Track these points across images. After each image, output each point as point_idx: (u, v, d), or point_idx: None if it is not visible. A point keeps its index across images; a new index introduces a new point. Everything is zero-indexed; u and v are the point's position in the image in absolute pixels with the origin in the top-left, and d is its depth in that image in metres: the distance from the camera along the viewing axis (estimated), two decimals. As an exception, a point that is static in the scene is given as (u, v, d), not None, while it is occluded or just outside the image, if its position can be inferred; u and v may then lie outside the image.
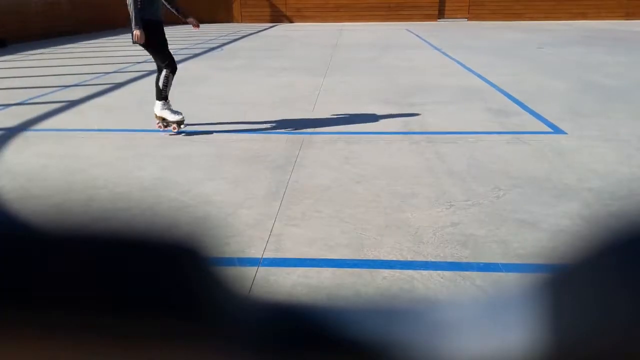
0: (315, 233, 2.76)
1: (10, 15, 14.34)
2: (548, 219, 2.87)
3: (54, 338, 0.19)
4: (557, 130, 4.71)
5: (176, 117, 4.61)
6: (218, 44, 13.45)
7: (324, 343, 0.20)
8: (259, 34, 16.95)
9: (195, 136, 4.69)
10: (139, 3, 4.25)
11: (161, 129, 4.67)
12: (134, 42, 4.36)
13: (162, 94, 4.59)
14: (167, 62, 4.55)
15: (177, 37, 15.72)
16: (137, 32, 4.26)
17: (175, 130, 4.63)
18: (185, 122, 4.69)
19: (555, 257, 0.19)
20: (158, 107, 4.63)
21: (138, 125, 5.15)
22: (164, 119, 4.64)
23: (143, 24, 4.28)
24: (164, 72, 4.57)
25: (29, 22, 15.11)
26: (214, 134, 4.75)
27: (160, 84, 4.59)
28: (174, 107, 4.68)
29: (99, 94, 6.83)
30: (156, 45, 4.46)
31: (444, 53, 10.97)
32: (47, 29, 15.60)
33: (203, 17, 21.90)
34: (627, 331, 0.17)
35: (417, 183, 3.46)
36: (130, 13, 4.24)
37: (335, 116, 5.37)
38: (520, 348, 0.19)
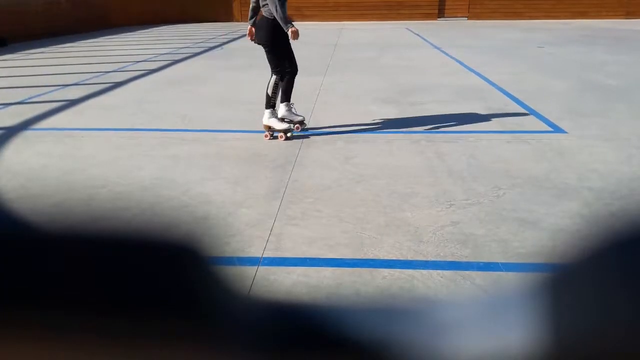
0: (315, 232, 2.76)
1: (11, 15, 14.34)
2: (548, 218, 2.87)
3: (54, 338, 0.19)
4: (557, 129, 4.71)
5: (283, 126, 4.50)
6: (218, 43, 13.44)
7: (324, 343, 0.20)
8: (259, 33, 16.92)
9: (194, 135, 4.69)
10: (282, 3, 4.23)
11: (268, 138, 4.54)
12: (276, 45, 4.37)
13: (270, 102, 4.49)
14: (279, 69, 4.45)
15: (176, 36, 15.72)
16: (295, 29, 4.25)
17: (283, 138, 4.51)
18: (292, 130, 4.58)
19: (555, 257, 0.19)
20: (266, 116, 4.52)
21: (138, 125, 5.15)
22: (270, 127, 4.53)
23: (275, 25, 4.26)
24: (272, 79, 4.47)
25: (29, 21, 15.11)
26: (214, 133, 4.74)
27: (269, 91, 4.48)
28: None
29: (98, 93, 6.83)
30: (281, 47, 4.40)
31: (444, 52, 10.97)
32: (47, 28, 15.60)
33: (203, 17, 21.95)
34: (627, 331, 0.17)
35: (417, 182, 3.46)
36: (278, 14, 4.20)
37: (335, 116, 5.36)
38: (520, 348, 0.19)
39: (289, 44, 4.43)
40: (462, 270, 2.38)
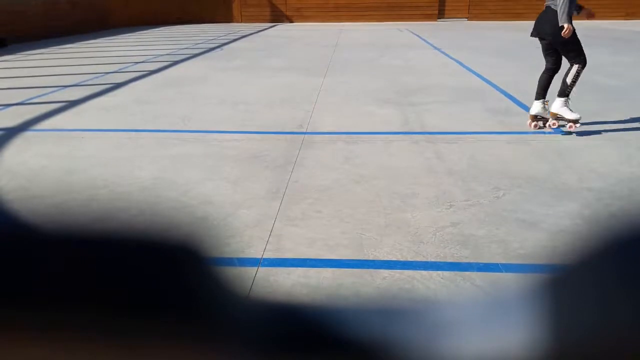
0: (315, 233, 2.76)
1: (11, 15, 14.35)
2: (548, 219, 2.87)
3: (54, 338, 0.19)
4: (557, 130, 4.71)
5: (574, 116, 4.44)
6: (218, 44, 13.44)
7: (324, 343, 0.20)
8: (259, 33, 16.95)
9: (194, 135, 4.69)
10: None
11: (554, 127, 4.49)
12: (553, 40, 4.36)
13: (566, 91, 4.44)
14: (582, 57, 4.38)
15: (175, 36, 15.73)
16: (570, 27, 4.21)
17: (572, 129, 4.46)
18: (581, 121, 4.51)
19: (555, 257, 0.19)
20: (557, 104, 4.47)
21: (138, 125, 5.15)
22: (558, 117, 4.48)
23: (570, 20, 4.22)
24: (575, 68, 4.39)
25: (29, 22, 15.12)
26: (214, 133, 4.75)
27: (569, 79, 4.42)
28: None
29: (98, 93, 6.83)
30: (575, 41, 4.35)
31: (444, 53, 10.97)
32: (47, 29, 15.61)
33: (203, 17, 21.96)
34: (627, 331, 0.17)
35: (417, 183, 3.46)
36: (561, 9, 4.16)
37: (336, 116, 5.36)
38: (520, 348, 0.19)
39: (578, 36, 4.37)
40: (462, 271, 2.38)
